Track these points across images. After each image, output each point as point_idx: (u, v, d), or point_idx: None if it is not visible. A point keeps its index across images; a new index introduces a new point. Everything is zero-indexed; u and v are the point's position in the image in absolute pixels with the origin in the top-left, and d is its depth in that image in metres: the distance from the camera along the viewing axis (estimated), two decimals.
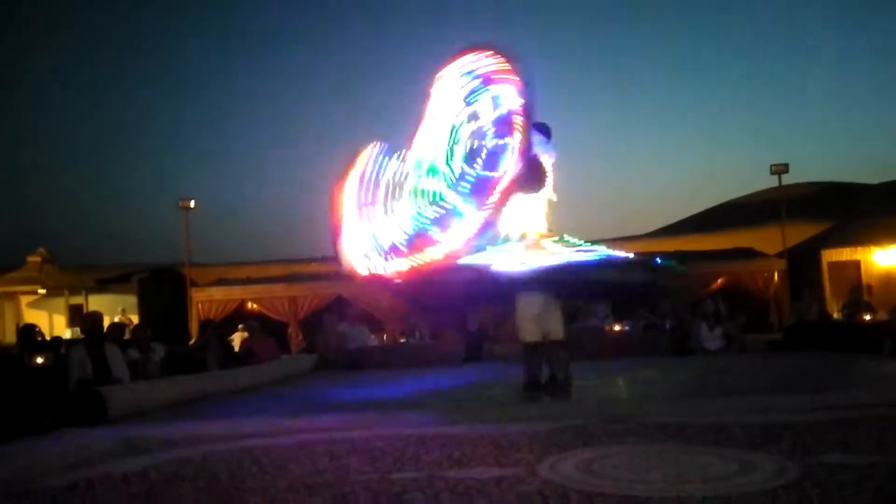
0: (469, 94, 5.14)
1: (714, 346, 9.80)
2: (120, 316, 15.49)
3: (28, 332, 8.81)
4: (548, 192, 5.52)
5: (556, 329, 5.43)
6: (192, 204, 14.58)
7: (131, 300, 15.76)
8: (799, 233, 16.37)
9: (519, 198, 5.16)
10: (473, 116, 5.13)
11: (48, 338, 11.18)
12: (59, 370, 6.38)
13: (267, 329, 10.99)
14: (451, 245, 4.76)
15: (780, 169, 13.87)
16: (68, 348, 7.07)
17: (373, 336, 11.33)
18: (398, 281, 5.07)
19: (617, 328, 10.91)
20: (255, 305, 13.96)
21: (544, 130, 5.52)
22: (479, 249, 5.00)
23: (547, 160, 5.50)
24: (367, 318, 12.38)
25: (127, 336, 8.11)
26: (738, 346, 9.93)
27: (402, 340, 11.71)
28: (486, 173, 4.85)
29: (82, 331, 6.79)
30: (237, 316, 13.40)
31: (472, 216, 4.78)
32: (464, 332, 10.72)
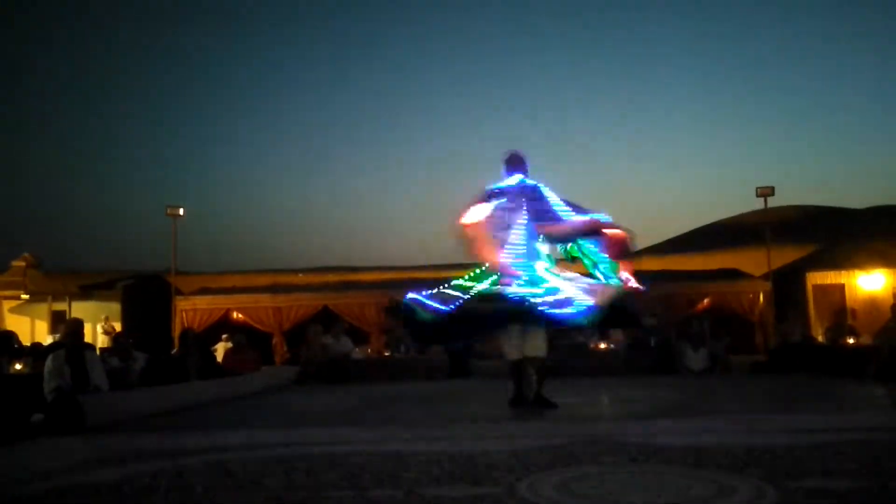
0: None
1: (699, 366, 9.81)
2: (103, 323, 15.36)
3: (6, 339, 8.70)
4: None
5: (534, 346, 5.49)
6: (181, 211, 14.51)
7: (115, 307, 15.61)
8: (784, 255, 16.48)
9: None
10: None
11: (28, 344, 11.04)
12: (37, 377, 6.30)
13: (252, 340, 10.91)
14: None
15: (766, 191, 13.98)
16: (47, 355, 6.99)
17: (357, 349, 11.26)
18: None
19: (602, 346, 10.92)
20: (239, 315, 13.87)
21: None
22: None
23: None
24: (353, 330, 12.32)
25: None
26: (723, 366, 9.95)
27: (387, 354, 11.65)
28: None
29: (62, 337, 6.71)
30: (222, 325, 13.32)
31: None
32: (449, 346, 10.67)
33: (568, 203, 5.62)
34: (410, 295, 5.41)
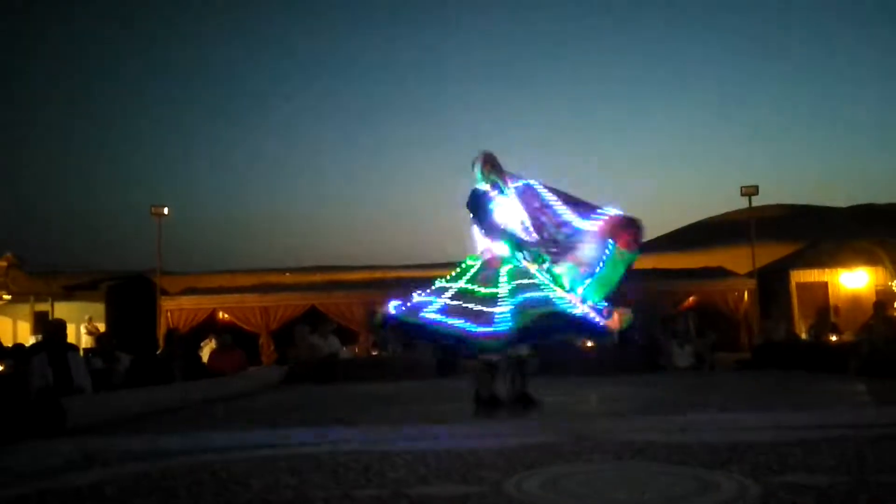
0: None
1: (684, 363, 9.88)
2: (86, 324, 15.23)
3: None
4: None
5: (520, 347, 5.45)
6: (166, 211, 14.40)
7: (99, 308, 15.48)
8: (769, 253, 16.63)
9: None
10: None
11: (10, 345, 10.91)
12: (19, 378, 6.23)
13: (238, 341, 10.85)
14: None
15: (751, 191, 14.10)
16: (29, 355, 6.91)
17: (344, 348, 11.22)
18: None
19: (589, 344, 10.94)
20: (226, 315, 13.79)
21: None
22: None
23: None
24: (340, 329, 12.29)
25: None
26: (709, 364, 10.02)
27: (375, 353, 11.63)
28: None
29: (44, 338, 6.65)
30: (208, 326, 13.24)
31: None
32: (437, 345, 10.66)
33: (568, 200, 5.51)
34: (393, 308, 5.31)
